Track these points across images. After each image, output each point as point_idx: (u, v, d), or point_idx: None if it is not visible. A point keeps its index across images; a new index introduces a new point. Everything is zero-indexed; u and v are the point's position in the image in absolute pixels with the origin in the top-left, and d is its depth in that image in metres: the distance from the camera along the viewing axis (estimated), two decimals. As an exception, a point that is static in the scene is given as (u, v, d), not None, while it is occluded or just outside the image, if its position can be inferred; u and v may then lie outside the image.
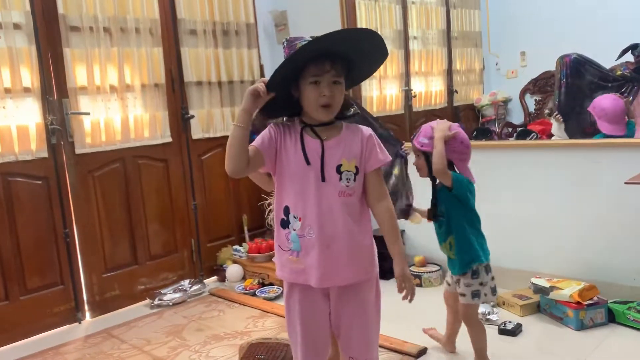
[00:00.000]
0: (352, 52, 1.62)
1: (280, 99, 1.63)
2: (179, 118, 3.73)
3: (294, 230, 1.66)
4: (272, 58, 4.26)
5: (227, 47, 3.91)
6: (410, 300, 1.68)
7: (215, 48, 3.85)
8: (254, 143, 1.65)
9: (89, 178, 3.33)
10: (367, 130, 1.72)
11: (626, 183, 2.27)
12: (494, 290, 2.25)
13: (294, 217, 1.66)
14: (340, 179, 1.64)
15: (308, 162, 1.64)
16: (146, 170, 3.59)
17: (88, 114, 3.26)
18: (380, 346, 2.57)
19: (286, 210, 1.67)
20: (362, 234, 1.70)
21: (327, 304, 1.75)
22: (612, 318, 2.66)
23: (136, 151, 3.51)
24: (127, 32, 3.40)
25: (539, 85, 4.05)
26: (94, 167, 3.35)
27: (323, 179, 1.63)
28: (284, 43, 1.82)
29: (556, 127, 3.28)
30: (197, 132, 3.80)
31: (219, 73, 3.87)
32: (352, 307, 1.73)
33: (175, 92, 3.70)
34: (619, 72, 3.18)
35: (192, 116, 3.75)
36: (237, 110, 3.98)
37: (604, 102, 3.03)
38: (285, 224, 1.68)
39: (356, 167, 1.66)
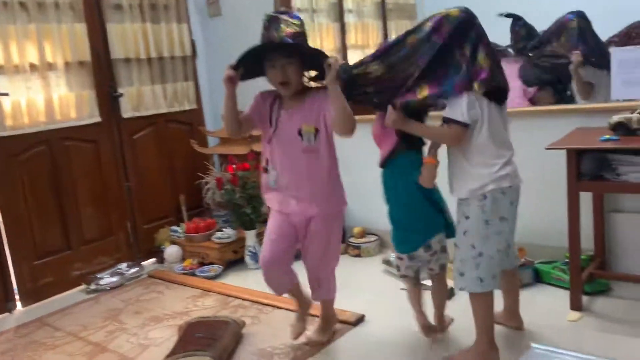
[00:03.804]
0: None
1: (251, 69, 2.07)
2: (108, 97, 3.59)
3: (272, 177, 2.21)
4: (203, 33, 4.15)
5: (156, 22, 3.78)
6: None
7: (143, 23, 3.71)
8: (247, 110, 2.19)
9: (13, 162, 3.18)
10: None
11: (547, 149, 2.37)
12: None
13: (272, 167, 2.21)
14: (302, 139, 2.12)
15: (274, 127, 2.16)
16: (75, 152, 3.46)
17: (7, 94, 3.10)
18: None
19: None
20: (325, 180, 2.18)
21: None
22: (538, 279, 2.79)
23: (63, 132, 3.37)
24: (45, 7, 3.22)
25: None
26: (17, 150, 3.19)
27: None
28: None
29: None
30: (128, 110, 3.68)
31: (148, 49, 3.74)
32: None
33: (102, 69, 3.56)
34: None
35: (121, 94, 3.62)
36: (168, 87, 3.89)
37: None
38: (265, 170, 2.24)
39: (316, 129, 2.11)
